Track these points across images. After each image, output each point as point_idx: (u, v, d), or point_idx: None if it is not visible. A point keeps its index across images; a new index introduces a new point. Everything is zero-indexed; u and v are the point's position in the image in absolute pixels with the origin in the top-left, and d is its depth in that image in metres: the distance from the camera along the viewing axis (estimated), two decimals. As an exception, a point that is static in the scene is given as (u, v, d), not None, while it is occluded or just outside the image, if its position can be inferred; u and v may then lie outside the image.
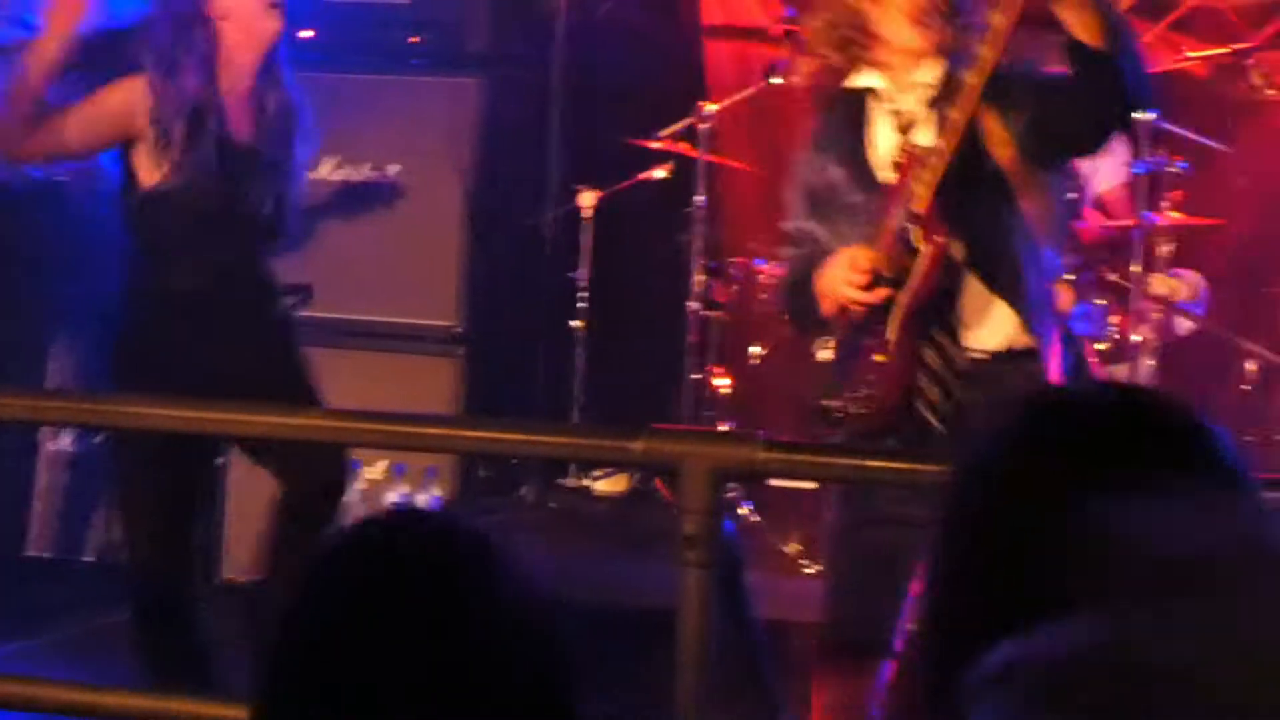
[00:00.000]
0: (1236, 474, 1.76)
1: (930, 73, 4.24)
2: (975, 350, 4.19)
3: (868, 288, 4.14)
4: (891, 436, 4.19)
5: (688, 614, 3.32)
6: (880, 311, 4.16)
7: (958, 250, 4.14)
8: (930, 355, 4.17)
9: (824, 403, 4.26)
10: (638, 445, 3.39)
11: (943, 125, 4.07)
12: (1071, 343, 4.33)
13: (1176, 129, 7.05)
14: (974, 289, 4.18)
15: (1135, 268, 6.86)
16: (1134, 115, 4.54)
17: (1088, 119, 4.07)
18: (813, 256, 4.31)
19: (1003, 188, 4.16)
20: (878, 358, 4.17)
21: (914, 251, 4.11)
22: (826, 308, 4.26)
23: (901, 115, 4.26)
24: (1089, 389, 1.95)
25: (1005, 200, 4.17)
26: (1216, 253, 7.45)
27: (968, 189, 4.10)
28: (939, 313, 4.17)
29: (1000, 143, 4.13)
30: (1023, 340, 4.20)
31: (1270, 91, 7.84)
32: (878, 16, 4.24)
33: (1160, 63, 7.48)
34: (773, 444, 3.38)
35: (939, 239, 4.09)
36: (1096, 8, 3.92)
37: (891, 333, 4.15)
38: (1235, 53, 7.45)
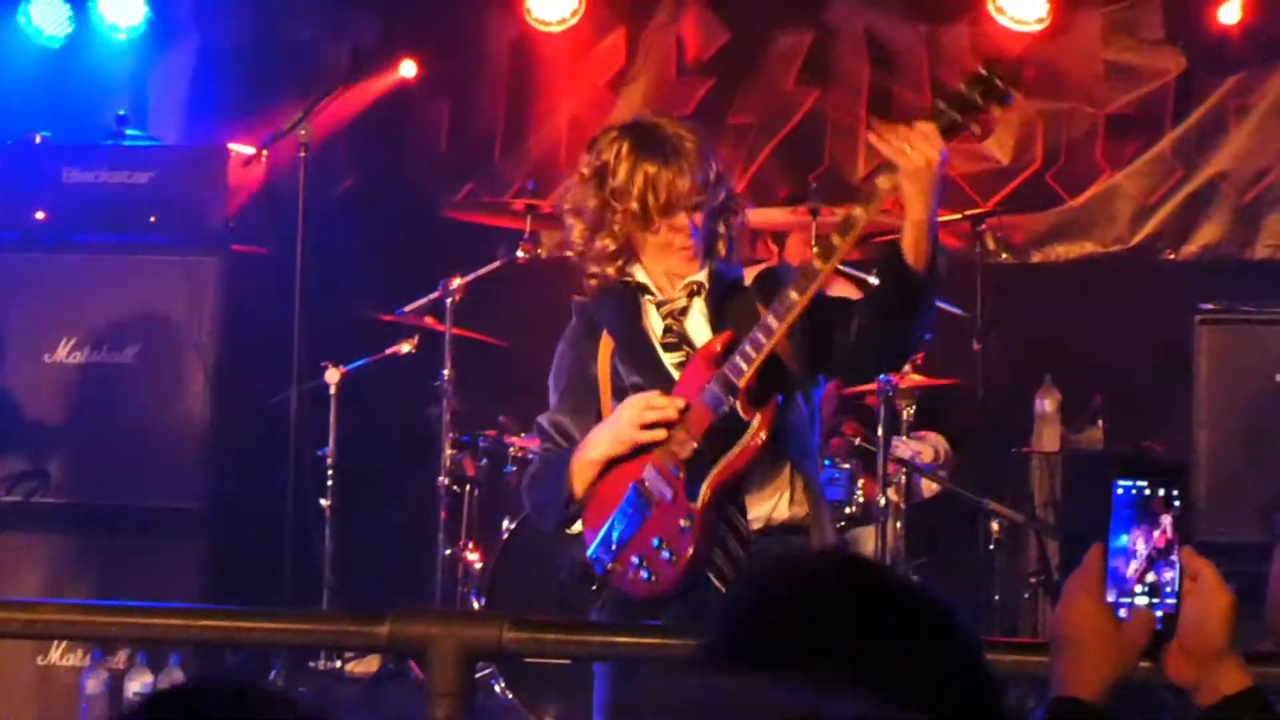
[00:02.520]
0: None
1: (699, 272, 4.32)
2: (757, 521, 4.21)
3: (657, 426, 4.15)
4: (674, 604, 4.16)
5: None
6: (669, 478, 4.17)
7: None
8: (721, 525, 4.18)
9: (607, 566, 4.21)
10: (383, 629, 3.32)
11: (781, 306, 4.05)
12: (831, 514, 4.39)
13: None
14: (761, 463, 4.21)
15: (879, 431, 6.94)
16: (908, 353, 4.60)
17: (878, 338, 4.14)
18: (562, 449, 4.32)
19: (783, 371, 4.20)
20: (683, 523, 4.15)
21: (731, 422, 4.11)
22: (579, 488, 4.24)
23: (667, 305, 4.31)
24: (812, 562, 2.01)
25: (786, 383, 4.21)
26: (958, 415, 7.57)
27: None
28: (731, 485, 4.18)
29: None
30: (799, 513, 4.24)
31: (1004, 255, 8.04)
32: (647, 248, 4.29)
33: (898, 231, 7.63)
34: (521, 622, 3.33)
35: (767, 412, 4.11)
36: (931, 241, 3.96)
37: (702, 499, 4.14)
38: (969, 218, 7.63)
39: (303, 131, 7.17)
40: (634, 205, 4.21)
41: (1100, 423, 7.71)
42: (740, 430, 4.13)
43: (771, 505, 4.25)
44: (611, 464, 4.24)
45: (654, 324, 4.32)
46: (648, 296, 4.32)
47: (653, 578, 4.18)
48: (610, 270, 4.30)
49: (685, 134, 4.26)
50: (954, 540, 7.47)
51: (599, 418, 4.30)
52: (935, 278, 4.00)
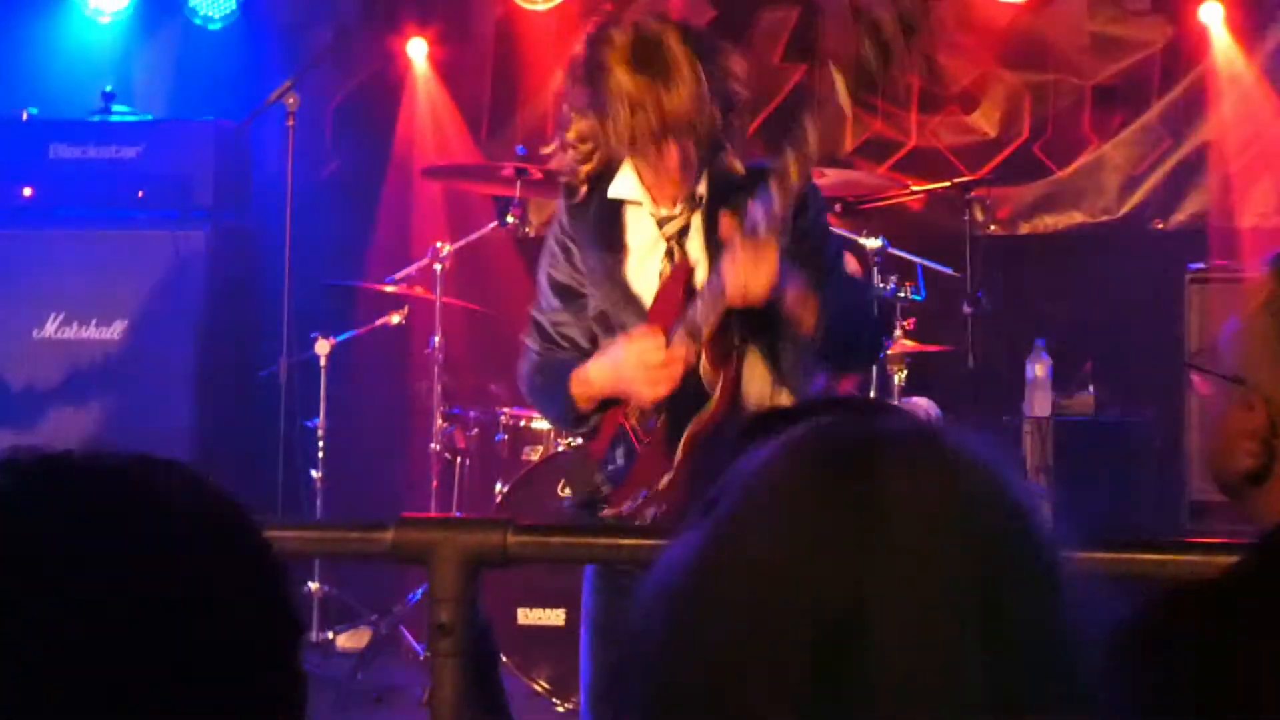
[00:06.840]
0: None
1: (700, 184, 4.01)
2: None
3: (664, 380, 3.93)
4: None
5: (439, 705, 3.22)
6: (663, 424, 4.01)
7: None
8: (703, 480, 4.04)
9: (602, 489, 4.09)
10: (387, 535, 3.29)
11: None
12: None
13: (909, 256, 7.16)
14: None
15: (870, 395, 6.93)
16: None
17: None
18: (564, 356, 4.13)
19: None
20: (665, 478, 3.97)
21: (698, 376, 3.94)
22: (584, 407, 4.08)
23: (670, 221, 4.02)
24: None
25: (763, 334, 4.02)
26: (949, 381, 7.56)
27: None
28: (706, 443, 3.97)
29: None
30: None
31: (993, 226, 8.05)
32: (640, 168, 4.01)
33: (888, 197, 7.65)
34: (524, 528, 3.31)
35: (729, 375, 3.93)
36: (810, 306, 3.86)
37: (678, 456, 3.96)
38: (957, 185, 7.61)
39: (290, 100, 7.15)
40: (621, 129, 3.87)
41: (1091, 389, 7.71)
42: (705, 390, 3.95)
43: None
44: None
45: (636, 241, 4.06)
46: (634, 208, 4.05)
47: (659, 515, 4.03)
48: (582, 184, 4.06)
49: (683, 52, 3.88)
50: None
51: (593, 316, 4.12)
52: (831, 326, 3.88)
